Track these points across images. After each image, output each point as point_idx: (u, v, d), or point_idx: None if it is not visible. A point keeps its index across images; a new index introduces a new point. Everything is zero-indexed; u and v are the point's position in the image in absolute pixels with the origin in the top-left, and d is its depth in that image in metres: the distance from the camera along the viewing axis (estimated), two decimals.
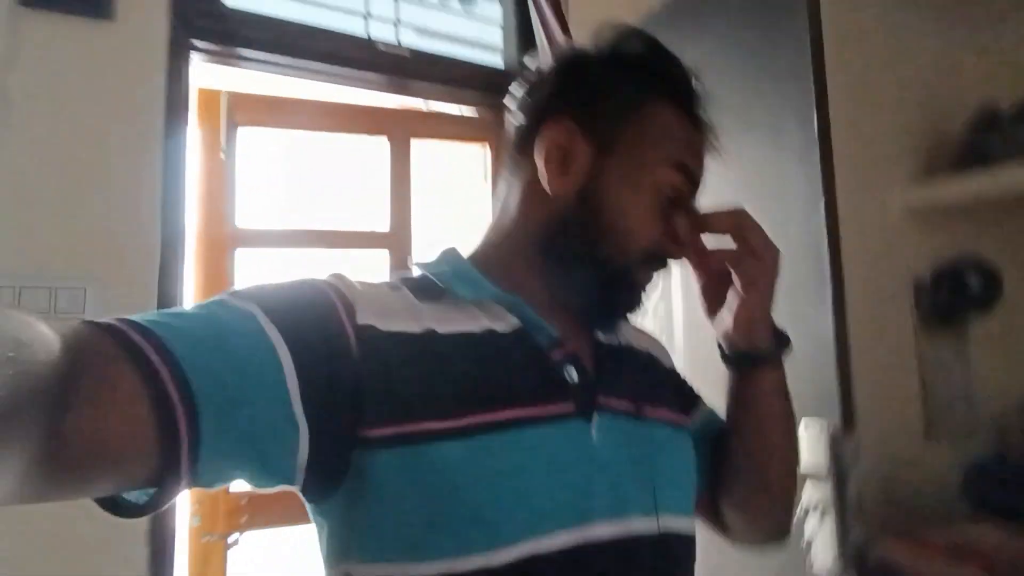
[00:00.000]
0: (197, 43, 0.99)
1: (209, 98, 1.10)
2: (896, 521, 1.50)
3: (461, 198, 1.34)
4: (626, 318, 0.57)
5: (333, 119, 1.19)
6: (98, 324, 0.35)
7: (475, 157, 1.34)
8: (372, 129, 1.22)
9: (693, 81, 0.56)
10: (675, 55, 0.56)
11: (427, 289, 0.51)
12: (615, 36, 0.55)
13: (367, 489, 0.42)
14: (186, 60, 0.98)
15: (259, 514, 1.11)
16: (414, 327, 0.46)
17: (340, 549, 0.45)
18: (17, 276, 0.85)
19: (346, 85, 1.14)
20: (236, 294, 0.42)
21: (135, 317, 0.37)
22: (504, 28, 1.32)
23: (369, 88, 1.16)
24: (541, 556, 0.43)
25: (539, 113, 0.54)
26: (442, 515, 0.42)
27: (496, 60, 1.31)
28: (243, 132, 1.12)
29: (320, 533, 0.47)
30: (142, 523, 0.91)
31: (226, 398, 0.37)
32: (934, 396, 1.71)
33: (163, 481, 0.35)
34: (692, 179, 0.54)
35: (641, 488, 0.50)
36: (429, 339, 0.46)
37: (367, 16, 1.16)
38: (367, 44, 1.11)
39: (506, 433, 0.44)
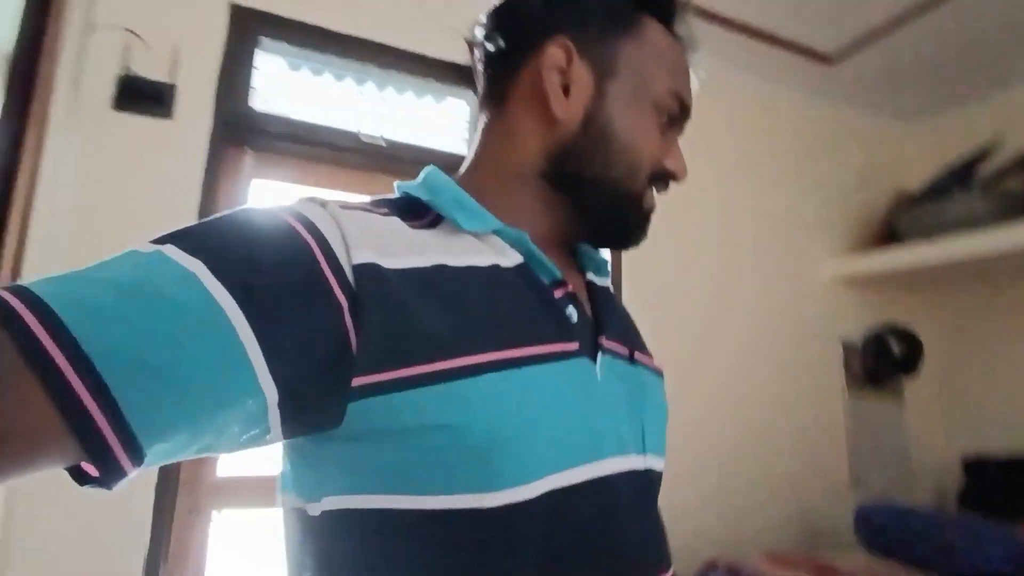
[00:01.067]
0: (232, 136, 1.41)
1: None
2: (804, 548, 1.69)
3: None
4: (637, 243, 0.56)
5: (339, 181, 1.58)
6: None
7: None
8: (363, 189, 1.60)
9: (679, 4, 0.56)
10: None
11: (418, 214, 0.49)
12: None
13: (375, 430, 0.40)
14: (222, 145, 1.40)
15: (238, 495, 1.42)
16: (421, 260, 0.44)
17: (330, 481, 0.42)
18: None
19: (340, 167, 1.53)
20: (185, 239, 0.38)
21: (33, 284, 0.33)
22: (469, 121, 1.70)
23: (357, 170, 1.54)
24: (561, 490, 0.43)
25: (528, 35, 0.52)
26: (468, 451, 0.41)
27: (461, 147, 1.69)
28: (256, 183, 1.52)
29: (296, 461, 0.44)
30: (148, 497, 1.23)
31: (161, 381, 0.33)
32: (859, 451, 1.90)
33: (100, 468, 0.33)
34: (685, 106, 0.55)
35: (633, 428, 0.50)
36: (439, 273, 0.44)
37: (359, 113, 1.56)
38: (353, 136, 1.51)
39: (523, 370, 0.43)
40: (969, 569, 1.17)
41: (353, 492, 0.42)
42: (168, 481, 1.26)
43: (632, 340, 0.57)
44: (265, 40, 1.48)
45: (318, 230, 0.41)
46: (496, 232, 0.49)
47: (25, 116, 1.16)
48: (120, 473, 0.33)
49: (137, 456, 0.33)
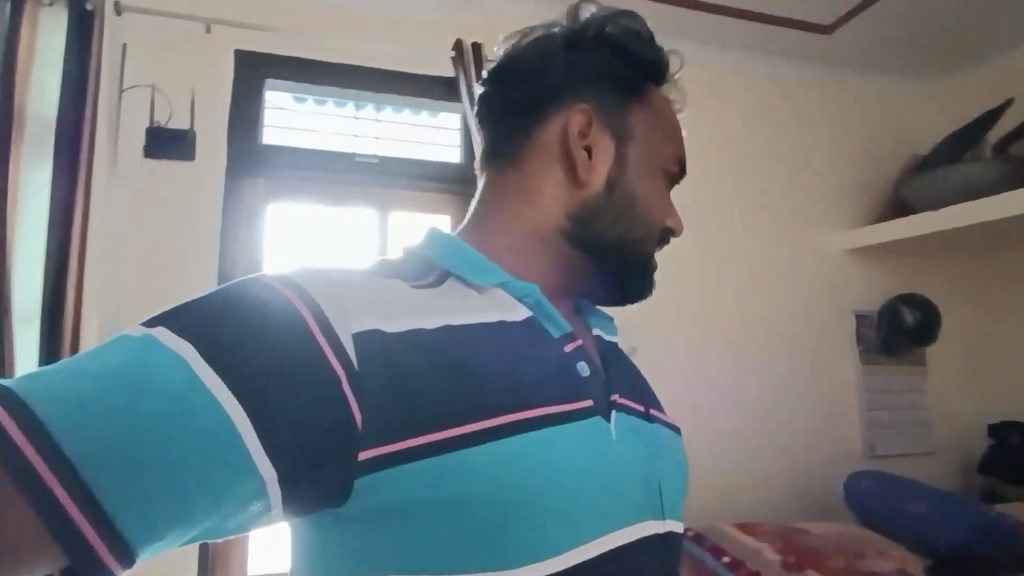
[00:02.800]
0: (246, 169, 1.61)
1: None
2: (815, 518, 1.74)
3: None
4: (643, 299, 0.57)
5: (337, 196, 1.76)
6: None
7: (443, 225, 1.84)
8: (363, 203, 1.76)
9: (672, 64, 0.57)
10: (653, 35, 0.57)
11: (421, 274, 0.48)
12: (603, 18, 0.55)
13: (386, 507, 0.38)
14: (238, 178, 1.59)
15: None
16: (425, 322, 0.42)
17: (337, 566, 0.41)
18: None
19: (340, 185, 1.70)
20: (175, 320, 0.37)
21: (15, 381, 0.32)
22: (461, 131, 1.83)
23: (355, 186, 1.71)
24: (585, 564, 0.41)
25: (549, 97, 0.53)
26: (483, 525, 0.39)
27: (455, 156, 1.82)
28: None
29: (303, 553, 0.43)
30: None
31: (149, 479, 0.32)
32: (875, 422, 1.92)
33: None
34: (683, 168, 0.58)
35: (650, 491, 0.48)
36: (444, 335, 0.43)
37: (354, 136, 1.72)
38: (349, 157, 1.67)
39: (539, 433, 0.41)
40: (937, 540, 1.22)
41: (361, 574, 0.40)
42: None
43: (646, 397, 0.55)
44: (270, 80, 1.65)
45: (315, 302, 0.39)
46: (504, 285, 0.49)
47: (74, 171, 1.39)
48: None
49: (127, 558, 0.32)
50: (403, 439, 0.38)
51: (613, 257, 0.53)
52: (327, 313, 0.39)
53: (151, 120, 1.52)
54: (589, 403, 0.46)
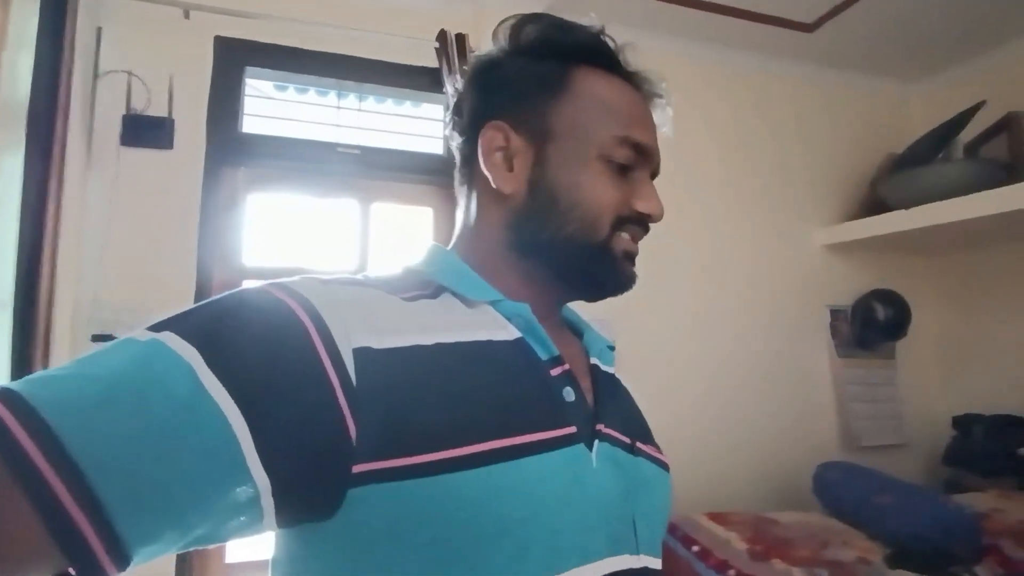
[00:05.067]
0: (226, 158, 1.59)
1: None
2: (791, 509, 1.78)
3: (411, 247, 1.85)
4: (622, 288, 0.55)
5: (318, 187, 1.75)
6: None
7: (425, 217, 1.83)
8: (344, 193, 1.75)
9: (603, 39, 0.55)
10: (575, 22, 0.55)
11: (418, 289, 0.49)
12: (511, 28, 0.56)
13: (367, 522, 0.39)
14: (217, 167, 1.58)
15: None
16: (419, 338, 0.43)
17: (314, 570, 0.42)
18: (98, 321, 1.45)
19: (323, 176, 1.69)
20: (181, 324, 0.38)
21: (21, 383, 0.33)
22: (445, 123, 1.82)
23: (337, 177, 1.70)
24: None
25: (471, 126, 0.55)
26: (460, 552, 0.39)
27: (437, 148, 1.81)
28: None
29: (283, 548, 0.44)
30: None
31: (149, 483, 0.33)
32: (849, 413, 1.97)
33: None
34: (640, 147, 0.53)
35: (624, 524, 0.48)
36: (438, 352, 0.43)
37: (336, 126, 1.71)
38: (331, 147, 1.66)
39: (523, 462, 0.42)
40: (897, 530, 1.26)
41: None
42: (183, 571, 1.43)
43: (635, 430, 0.55)
44: (250, 67, 1.63)
45: (318, 314, 0.40)
46: (495, 304, 0.50)
47: (48, 158, 1.37)
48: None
49: (122, 560, 0.33)
50: (396, 457, 0.38)
51: (557, 256, 0.53)
52: (329, 326, 0.40)
53: (128, 107, 1.50)
54: (572, 430, 0.46)
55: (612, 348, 0.59)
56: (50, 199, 1.36)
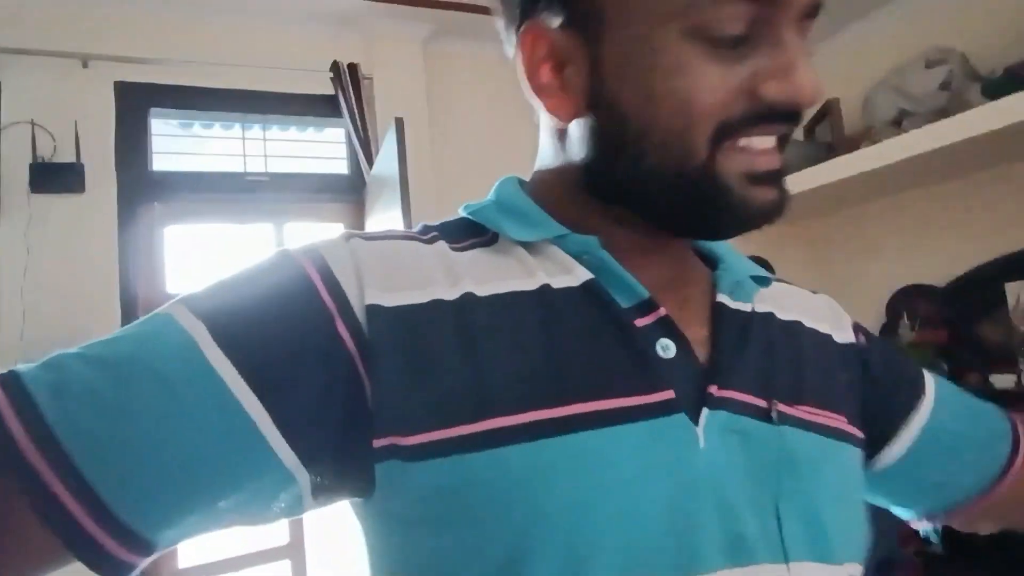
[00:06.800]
0: (138, 197, 1.68)
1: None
2: None
3: None
4: (755, 226, 0.39)
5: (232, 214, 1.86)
6: None
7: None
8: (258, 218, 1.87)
9: None
10: None
11: (468, 234, 0.42)
12: None
13: (399, 510, 0.34)
14: (131, 206, 1.67)
15: None
16: (445, 292, 0.37)
17: (381, 565, 0.37)
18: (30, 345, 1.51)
19: (235, 203, 1.81)
20: (195, 298, 0.35)
21: (26, 368, 0.32)
22: (346, 144, 1.97)
23: (249, 203, 1.82)
24: None
25: (512, 24, 0.41)
26: (494, 554, 0.32)
27: (342, 168, 1.96)
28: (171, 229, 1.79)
29: (364, 544, 0.39)
30: None
31: (152, 467, 0.31)
32: None
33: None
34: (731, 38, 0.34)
35: (760, 520, 0.35)
36: (465, 307, 0.36)
37: (244, 156, 1.83)
38: (240, 176, 1.78)
39: (580, 436, 0.33)
40: None
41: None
42: None
43: (783, 387, 0.40)
44: (154, 108, 1.73)
45: (333, 276, 0.36)
46: (559, 240, 0.40)
47: None
48: (125, 567, 0.31)
49: (140, 547, 0.31)
50: (406, 434, 0.33)
51: (643, 198, 0.39)
52: (341, 282, 0.36)
53: (34, 155, 1.56)
54: (668, 395, 0.35)
55: (761, 280, 0.45)
56: None
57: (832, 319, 0.49)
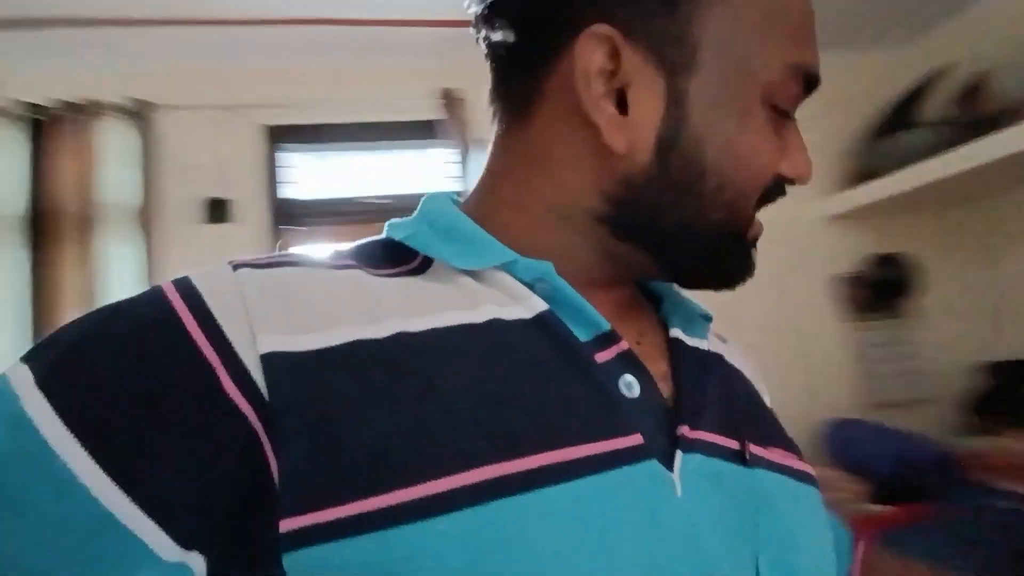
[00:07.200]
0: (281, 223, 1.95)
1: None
2: None
3: None
4: (741, 281, 0.40)
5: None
6: None
7: None
8: None
9: None
10: None
11: (391, 258, 0.37)
12: None
13: None
14: (275, 233, 1.94)
15: None
16: (368, 330, 0.31)
17: None
18: None
19: (364, 225, 2.02)
20: (39, 353, 0.29)
21: None
22: (460, 163, 2.10)
23: (377, 224, 2.03)
24: None
25: (552, 22, 0.36)
26: None
27: (459, 186, 2.09)
28: None
29: None
30: None
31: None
32: (868, 375, 2.08)
33: None
34: (811, 78, 0.37)
35: (740, 569, 0.32)
36: (397, 347, 0.30)
37: (374, 180, 2.04)
38: (365, 200, 2.00)
39: (543, 493, 0.28)
40: (877, 472, 1.41)
41: None
42: None
43: (749, 427, 0.38)
44: (288, 144, 1.99)
45: (212, 318, 0.30)
46: (509, 267, 0.35)
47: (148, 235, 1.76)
48: None
49: None
50: (323, 506, 0.27)
51: (676, 249, 0.38)
52: (223, 327, 0.30)
53: (208, 192, 1.87)
54: (635, 440, 0.32)
55: (707, 318, 0.44)
56: (152, 266, 1.76)
57: (756, 376, 0.50)
